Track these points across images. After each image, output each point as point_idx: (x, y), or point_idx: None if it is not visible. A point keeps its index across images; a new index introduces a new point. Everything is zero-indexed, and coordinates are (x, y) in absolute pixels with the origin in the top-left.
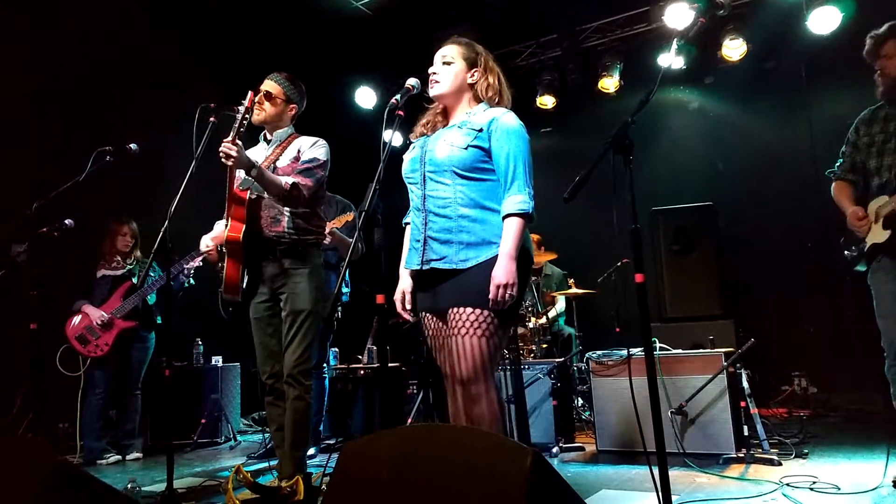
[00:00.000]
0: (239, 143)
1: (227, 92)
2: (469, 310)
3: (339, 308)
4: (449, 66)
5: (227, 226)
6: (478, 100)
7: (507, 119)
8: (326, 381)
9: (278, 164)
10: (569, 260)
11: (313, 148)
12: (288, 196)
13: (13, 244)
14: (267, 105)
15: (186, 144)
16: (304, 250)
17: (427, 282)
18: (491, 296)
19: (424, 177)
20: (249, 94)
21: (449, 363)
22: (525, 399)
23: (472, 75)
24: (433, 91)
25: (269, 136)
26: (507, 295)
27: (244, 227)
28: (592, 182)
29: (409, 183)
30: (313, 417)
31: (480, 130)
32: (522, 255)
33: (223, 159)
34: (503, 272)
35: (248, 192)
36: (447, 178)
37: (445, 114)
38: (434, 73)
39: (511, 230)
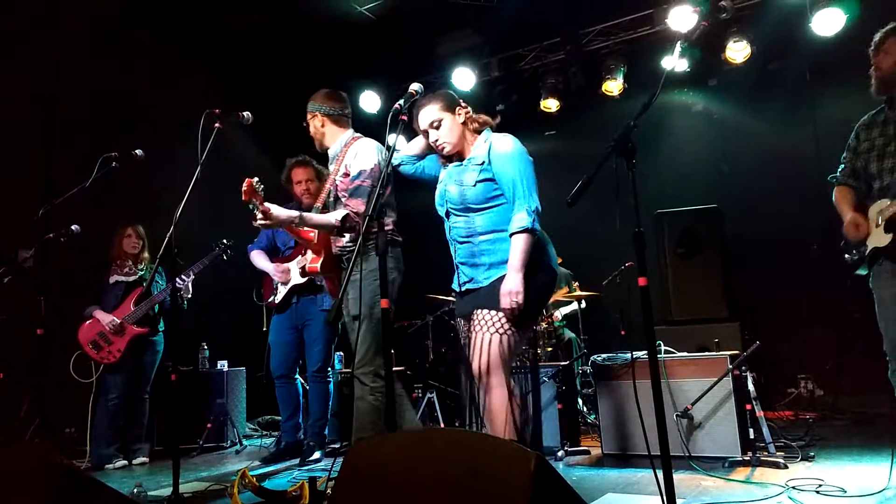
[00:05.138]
0: (270, 208)
1: (232, 97)
2: (485, 311)
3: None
4: (441, 127)
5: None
6: (474, 130)
7: (500, 145)
8: (332, 385)
9: (337, 181)
10: (573, 263)
11: (357, 160)
12: (342, 229)
13: (20, 250)
14: (314, 133)
15: (192, 150)
16: (366, 255)
17: (462, 296)
18: (501, 304)
19: (448, 212)
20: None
21: (471, 357)
22: (541, 401)
23: (459, 115)
24: (446, 153)
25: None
26: (514, 301)
27: (321, 258)
28: (596, 185)
29: (440, 214)
30: (318, 422)
31: (483, 163)
32: (539, 266)
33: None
34: (509, 282)
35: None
36: (465, 213)
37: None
38: (436, 141)
39: (516, 247)
